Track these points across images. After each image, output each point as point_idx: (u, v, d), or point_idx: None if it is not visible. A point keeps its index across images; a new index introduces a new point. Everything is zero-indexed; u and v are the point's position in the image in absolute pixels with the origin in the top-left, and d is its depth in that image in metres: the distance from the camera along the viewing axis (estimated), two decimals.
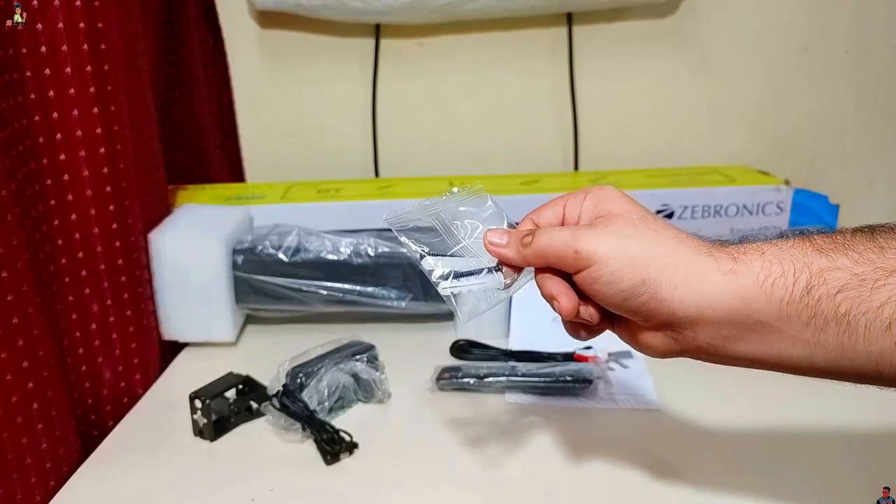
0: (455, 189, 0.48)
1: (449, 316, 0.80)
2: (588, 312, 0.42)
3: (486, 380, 0.66)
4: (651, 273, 0.38)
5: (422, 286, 0.76)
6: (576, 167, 1.04)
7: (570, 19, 0.99)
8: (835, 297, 0.35)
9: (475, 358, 0.72)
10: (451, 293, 0.44)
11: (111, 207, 0.64)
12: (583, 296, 0.42)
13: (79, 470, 0.57)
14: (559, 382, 0.65)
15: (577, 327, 0.45)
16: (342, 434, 0.58)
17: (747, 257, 0.38)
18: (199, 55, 0.94)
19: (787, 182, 0.89)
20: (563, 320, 0.44)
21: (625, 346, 0.64)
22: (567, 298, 0.42)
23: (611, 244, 0.39)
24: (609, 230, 0.40)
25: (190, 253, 0.72)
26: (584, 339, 0.46)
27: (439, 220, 0.46)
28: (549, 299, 0.43)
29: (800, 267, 0.36)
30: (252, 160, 1.04)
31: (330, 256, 0.75)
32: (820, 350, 0.36)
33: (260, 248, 0.75)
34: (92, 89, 0.61)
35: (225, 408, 0.61)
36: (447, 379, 0.66)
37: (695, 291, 0.38)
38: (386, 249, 0.76)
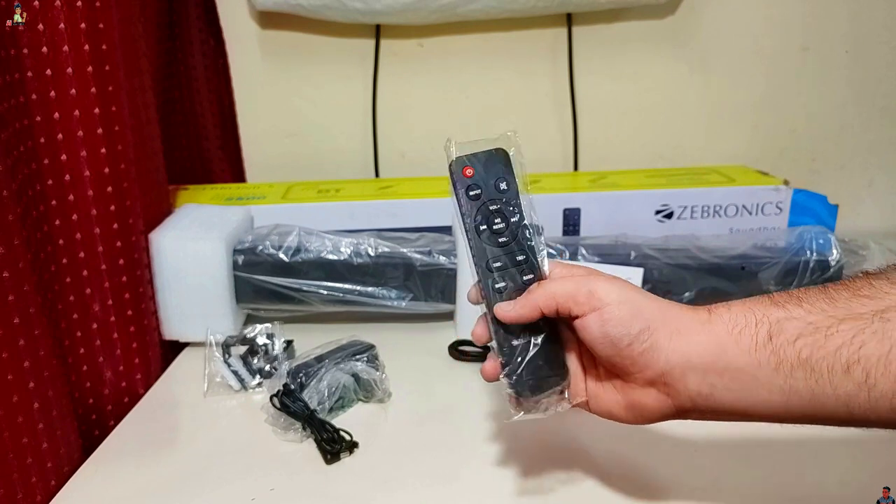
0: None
1: (449, 315, 0.80)
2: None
3: None
4: (653, 322, 0.42)
5: (422, 286, 0.76)
6: (575, 167, 1.04)
7: (569, 20, 0.99)
8: (794, 344, 0.38)
9: (474, 358, 0.72)
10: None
11: (112, 207, 0.64)
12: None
13: (80, 469, 0.57)
14: None
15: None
16: (342, 433, 0.59)
17: (718, 311, 0.42)
18: (199, 55, 0.94)
19: (786, 182, 0.89)
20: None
21: None
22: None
23: (621, 291, 0.43)
24: (615, 283, 0.43)
25: (190, 253, 0.72)
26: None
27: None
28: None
29: (760, 318, 0.40)
30: (252, 160, 1.04)
31: (330, 256, 0.75)
32: (795, 396, 0.39)
33: (260, 248, 0.75)
34: (93, 90, 0.61)
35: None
36: None
37: (684, 341, 0.41)
38: (386, 249, 0.76)
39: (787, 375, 0.38)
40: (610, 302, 0.42)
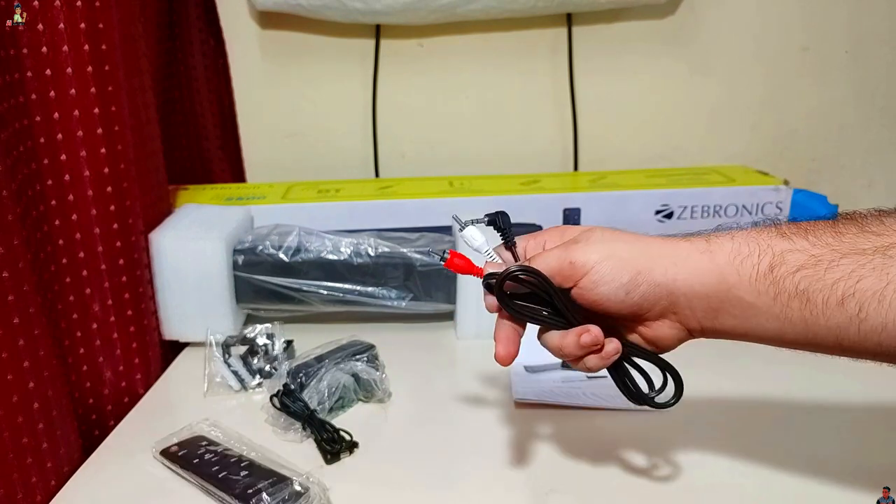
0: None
1: (449, 315, 0.80)
2: (591, 337, 0.44)
3: None
4: (642, 264, 0.42)
5: (422, 286, 0.76)
6: (575, 167, 1.04)
7: (569, 19, 0.99)
8: (794, 275, 0.39)
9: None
10: None
11: (112, 207, 0.64)
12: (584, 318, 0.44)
13: (80, 469, 0.57)
14: None
15: (584, 359, 0.46)
16: (342, 433, 0.59)
17: (719, 240, 0.42)
18: (199, 55, 0.94)
19: (786, 182, 0.89)
20: (571, 362, 0.46)
21: None
22: (503, 345, 0.46)
23: (600, 250, 0.43)
24: (592, 241, 0.44)
25: (190, 253, 0.72)
26: (598, 370, 0.47)
27: None
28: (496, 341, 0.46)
29: (764, 248, 0.40)
30: (252, 160, 1.04)
31: (330, 256, 0.75)
32: (788, 324, 0.40)
33: (260, 248, 0.75)
34: (93, 90, 0.61)
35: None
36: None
37: (683, 271, 0.42)
38: (386, 249, 0.76)
39: (784, 305, 0.39)
40: (592, 265, 0.42)
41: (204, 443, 0.57)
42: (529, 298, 0.45)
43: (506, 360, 0.46)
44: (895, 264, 0.37)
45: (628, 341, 0.46)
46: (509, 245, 0.48)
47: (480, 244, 0.48)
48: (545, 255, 0.45)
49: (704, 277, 0.41)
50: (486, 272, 0.46)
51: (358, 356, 0.66)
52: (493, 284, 0.45)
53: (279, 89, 1.02)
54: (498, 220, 0.48)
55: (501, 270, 0.45)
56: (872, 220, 0.39)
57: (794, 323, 0.40)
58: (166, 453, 0.56)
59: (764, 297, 0.40)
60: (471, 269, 0.47)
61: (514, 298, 0.45)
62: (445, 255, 0.47)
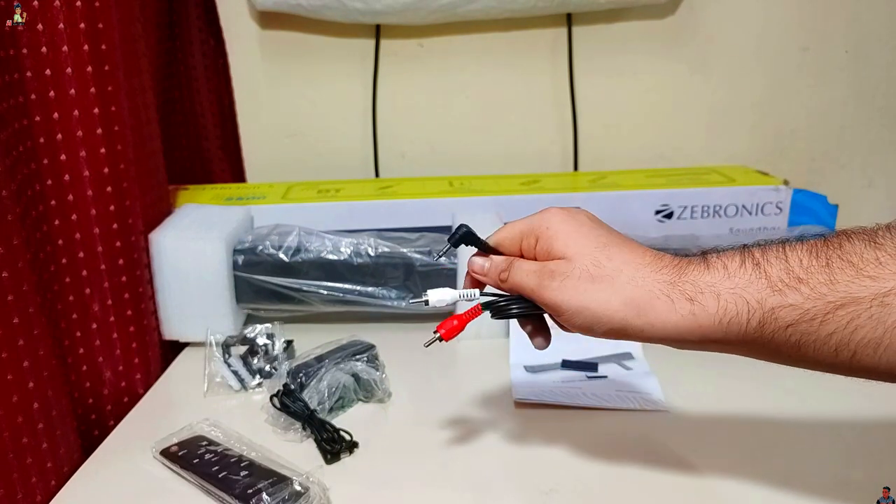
0: None
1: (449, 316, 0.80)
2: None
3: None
4: (615, 323, 0.42)
5: (422, 286, 0.76)
6: (575, 167, 1.04)
7: (570, 19, 0.99)
8: (786, 330, 0.39)
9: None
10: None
11: (112, 207, 0.64)
12: None
13: (80, 469, 0.57)
14: None
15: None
16: (342, 433, 0.59)
17: (704, 298, 0.40)
18: (199, 55, 0.94)
19: (786, 182, 0.89)
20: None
21: (625, 348, 0.64)
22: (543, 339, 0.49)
23: (572, 301, 0.43)
24: (568, 284, 0.43)
25: (190, 253, 0.72)
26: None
27: None
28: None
29: (753, 306, 0.39)
30: (252, 160, 1.04)
31: (330, 256, 0.75)
32: (777, 361, 0.41)
33: (260, 248, 0.75)
34: (92, 90, 0.61)
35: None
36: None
37: (659, 331, 0.42)
38: (386, 249, 0.76)
39: (773, 351, 0.40)
40: (564, 311, 0.43)
41: (204, 443, 0.57)
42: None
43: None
44: (892, 312, 0.36)
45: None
46: (483, 251, 0.49)
47: (452, 298, 0.49)
48: (524, 272, 0.45)
49: (685, 337, 0.41)
50: (481, 305, 0.49)
51: (358, 356, 0.66)
52: (497, 314, 0.48)
53: (279, 89, 1.02)
54: (465, 238, 0.48)
55: (496, 299, 0.48)
56: (869, 260, 0.37)
57: (783, 359, 0.41)
58: (166, 453, 0.56)
59: (751, 346, 0.40)
60: (463, 321, 0.49)
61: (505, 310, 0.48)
62: (439, 336, 0.48)
